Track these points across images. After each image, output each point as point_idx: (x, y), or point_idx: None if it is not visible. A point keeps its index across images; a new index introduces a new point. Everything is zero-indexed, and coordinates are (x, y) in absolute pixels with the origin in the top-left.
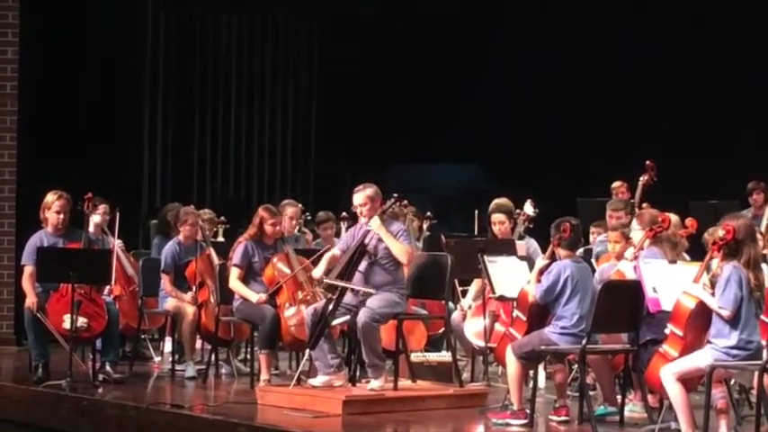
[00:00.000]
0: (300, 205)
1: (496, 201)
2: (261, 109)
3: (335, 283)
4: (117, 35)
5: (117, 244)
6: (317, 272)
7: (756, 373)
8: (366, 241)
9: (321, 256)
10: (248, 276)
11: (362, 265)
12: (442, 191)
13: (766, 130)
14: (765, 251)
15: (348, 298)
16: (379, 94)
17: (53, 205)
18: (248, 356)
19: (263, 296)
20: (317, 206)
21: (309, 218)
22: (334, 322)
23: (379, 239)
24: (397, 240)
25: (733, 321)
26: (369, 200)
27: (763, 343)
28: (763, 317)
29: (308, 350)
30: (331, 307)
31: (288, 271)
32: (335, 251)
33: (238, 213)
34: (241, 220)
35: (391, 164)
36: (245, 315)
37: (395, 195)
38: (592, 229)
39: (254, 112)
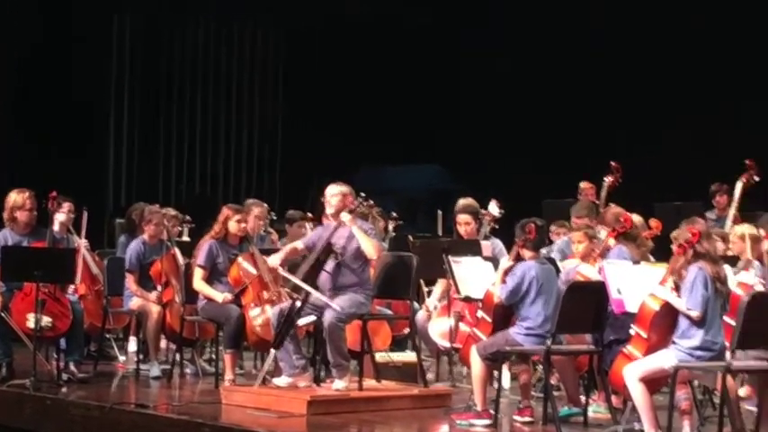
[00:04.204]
0: (266, 205)
1: (462, 201)
2: (227, 109)
3: (299, 283)
4: (84, 37)
5: (82, 243)
6: (274, 260)
7: (720, 375)
8: (333, 240)
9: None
10: (212, 277)
11: (329, 266)
12: (408, 192)
13: (730, 132)
14: (729, 252)
15: (314, 298)
16: (346, 95)
17: (26, 203)
18: (213, 356)
19: (229, 296)
20: (283, 206)
21: (275, 218)
22: (300, 322)
23: (348, 239)
24: (367, 236)
25: (699, 322)
26: (342, 195)
27: (727, 344)
28: (726, 318)
29: (273, 350)
30: (297, 307)
31: (253, 271)
32: (298, 244)
33: (204, 213)
34: (206, 219)
35: (358, 165)
36: (210, 315)
37: (362, 195)
38: (554, 229)
39: (221, 112)
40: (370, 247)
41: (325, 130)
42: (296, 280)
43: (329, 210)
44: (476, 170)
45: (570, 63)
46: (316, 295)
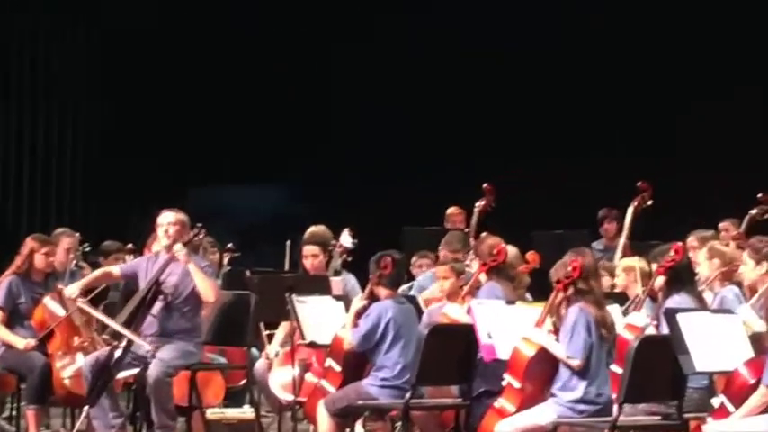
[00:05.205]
0: (78, 235)
1: (310, 230)
2: (33, 125)
3: (118, 328)
4: None
5: None
6: (71, 289)
7: (606, 431)
8: (162, 278)
9: (105, 295)
10: (13, 320)
11: (156, 308)
12: (246, 217)
13: (609, 156)
14: (617, 289)
15: (136, 347)
16: (173, 106)
17: None
18: (14, 413)
19: (32, 342)
20: (99, 236)
21: (89, 249)
22: (119, 375)
23: (181, 276)
24: (204, 274)
25: (581, 371)
26: (180, 223)
27: (614, 396)
28: (613, 366)
29: (86, 407)
30: (117, 357)
31: (61, 312)
32: (114, 269)
33: (3, 246)
34: (7, 253)
35: (185, 187)
36: (10, 364)
37: (198, 225)
38: (416, 260)
39: (25, 128)
40: (208, 288)
41: (149, 148)
42: (113, 323)
43: (164, 241)
44: (329, 193)
45: (438, 78)
46: (138, 342)
